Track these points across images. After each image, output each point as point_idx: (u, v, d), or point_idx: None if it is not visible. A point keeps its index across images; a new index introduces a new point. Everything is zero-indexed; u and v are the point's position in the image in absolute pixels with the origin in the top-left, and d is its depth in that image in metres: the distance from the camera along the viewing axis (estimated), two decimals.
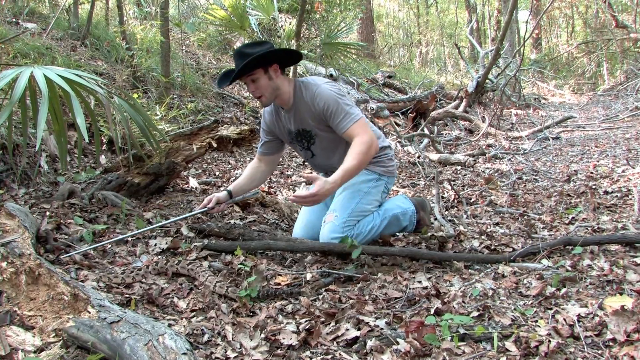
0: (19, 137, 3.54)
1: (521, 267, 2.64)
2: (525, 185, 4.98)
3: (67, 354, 1.66)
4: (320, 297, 2.36)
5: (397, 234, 3.29)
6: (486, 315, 2.08)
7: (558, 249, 2.80)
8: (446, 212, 3.87)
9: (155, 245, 2.78)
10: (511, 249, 3.00)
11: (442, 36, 22.48)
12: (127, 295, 2.20)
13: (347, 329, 1.99)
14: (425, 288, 2.41)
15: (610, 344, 1.79)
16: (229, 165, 5.12)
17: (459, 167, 5.97)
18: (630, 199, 3.93)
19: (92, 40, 6.10)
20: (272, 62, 2.84)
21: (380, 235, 3.08)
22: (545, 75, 18.40)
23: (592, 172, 5.26)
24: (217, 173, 4.79)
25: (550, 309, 2.11)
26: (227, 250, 2.80)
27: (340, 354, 1.83)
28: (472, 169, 5.83)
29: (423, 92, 10.15)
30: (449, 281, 2.53)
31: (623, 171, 5.08)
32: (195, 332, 1.94)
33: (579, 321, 1.96)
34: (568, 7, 23.75)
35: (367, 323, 2.03)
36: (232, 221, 3.34)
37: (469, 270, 2.68)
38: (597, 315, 1.99)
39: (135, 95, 5.14)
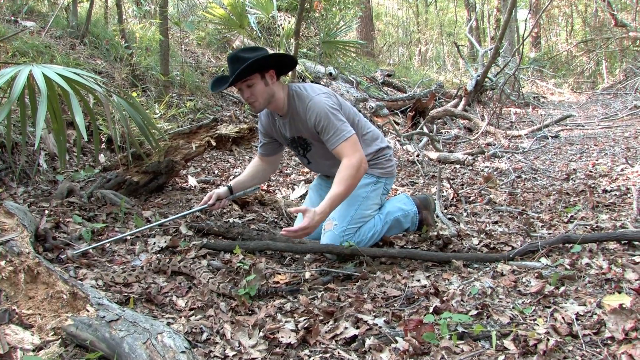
0: (18, 135, 3.54)
1: (520, 266, 2.64)
2: (524, 184, 4.98)
3: (66, 353, 1.66)
4: (319, 295, 2.37)
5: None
6: (485, 314, 2.08)
7: (557, 247, 2.80)
8: (445, 211, 3.87)
9: (154, 243, 2.78)
10: (510, 248, 3.00)
11: (441, 35, 22.46)
12: (126, 294, 2.20)
13: (346, 328, 1.99)
14: (424, 287, 2.41)
15: (609, 342, 1.79)
16: (228, 164, 5.12)
17: (458, 166, 5.97)
18: (629, 198, 3.93)
19: (91, 38, 6.10)
20: (269, 67, 2.80)
21: (382, 238, 3.08)
22: (545, 74, 18.40)
23: (591, 171, 5.27)
24: (216, 172, 4.78)
25: (549, 307, 2.11)
26: (226, 249, 2.80)
27: (339, 353, 1.83)
28: (471, 168, 5.83)
29: (422, 91, 10.15)
30: (448, 280, 2.54)
31: (622, 170, 5.08)
32: (194, 330, 1.94)
33: (577, 319, 1.96)
34: (567, 5, 23.74)
35: (366, 322, 2.03)
36: (231, 220, 3.34)
37: (468, 269, 2.68)
38: (596, 314, 1.99)
39: (134, 94, 5.13)
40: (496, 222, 3.62)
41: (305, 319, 2.07)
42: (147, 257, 2.61)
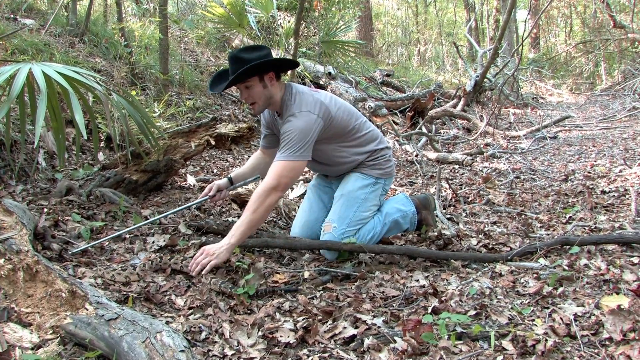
0: (17, 133, 3.53)
1: (518, 266, 2.65)
2: (522, 185, 4.98)
3: (65, 351, 1.66)
4: (318, 295, 2.37)
5: None
6: (483, 314, 2.09)
7: (555, 248, 2.80)
8: (444, 211, 3.88)
9: (153, 242, 2.78)
10: (509, 248, 3.00)
11: (440, 35, 22.46)
12: (125, 293, 2.20)
13: (345, 327, 1.99)
14: (423, 287, 2.41)
15: (607, 343, 1.80)
16: (227, 163, 5.12)
17: (456, 166, 5.98)
18: (627, 199, 3.94)
19: (90, 37, 6.09)
20: (269, 70, 2.77)
21: (382, 239, 3.09)
22: (543, 75, 18.41)
23: (589, 172, 5.27)
24: (215, 171, 4.78)
25: (547, 308, 2.12)
26: None
27: (337, 352, 1.83)
28: (470, 168, 5.83)
29: (421, 91, 10.15)
30: (447, 280, 2.54)
31: (620, 171, 5.09)
32: (192, 329, 1.94)
33: (575, 320, 1.96)
34: (566, 6, 23.76)
35: (365, 321, 2.04)
36: (230, 219, 3.34)
37: (467, 269, 2.69)
38: (594, 315, 1.99)
39: (133, 93, 5.13)
40: (495, 223, 3.62)
41: (304, 319, 2.07)
42: (146, 255, 2.61)
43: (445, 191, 4.55)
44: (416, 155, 6.35)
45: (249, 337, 1.93)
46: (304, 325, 2.00)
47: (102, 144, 4.37)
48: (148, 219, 3.09)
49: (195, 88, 6.56)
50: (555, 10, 23.85)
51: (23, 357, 1.59)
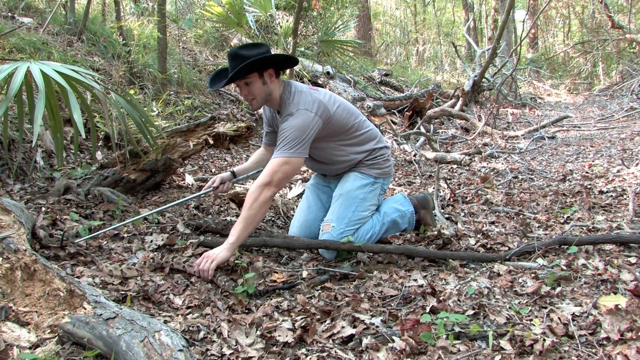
0: (15, 132, 3.53)
1: (516, 266, 2.65)
2: (520, 185, 4.99)
3: (63, 350, 1.66)
4: (316, 294, 2.37)
5: None
6: (481, 314, 2.09)
7: (553, 248, 2.81)
8: (442, 211, 3.88)
9: (151, 241, 2.77)
10: (507, 248, 3.01)
11: (439, 35, 22.48)
12: (123, 292, 2.19)
13: (343, 327, 1.99)
14: (421, 286, 2.41)
15: (604, 342, 1.80)
16: (226, 162, 5.12)
17: (455, 166, 5.98)
18: (625, 199, 3.95)
19: (88, 35, 6.08)
20: (268, 66, 2.77)
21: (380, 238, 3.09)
22: (542, 75, 18.45)
23: (587, 172, 5.28)
24: (213, 170, 4.78)
25: (545, 307, 2.12)
26: None
27: (335, 352, 1.83)
28: (468, 168, 5.84)
29: (420, 91, 10.16)
30: (445, 279, 2.54)
31: (618, 171, 5.10)
32: (191, 328, 1.94)
33: (573, 320, 1.97)
34: (565, 7, 23.79)
35: (363, 321, 2.04)
36: (228, 218, 3.34)
37: (465, 269, 2.69)
38: (592, 314, 2.00)
39: (131, 92, 5.12)
40: (493, 223, 3.62)
41: (302, 318, 2.07)
42: (145, 254, 2.61)
43: (443, 191, 4.55)
44: (414, 155, 6.36)
45: (247, 337, 1.93)
46: (302, 324, 2.00)
47: (100, 143, 4.37)
48: (146, 218, 3.09)
49: (193, 87, 6.55)
50: (554, 11, 23.88)
51: (21, 356, 1.58)
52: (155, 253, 2.62)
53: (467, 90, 9.98)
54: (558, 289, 2.27)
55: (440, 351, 1.79)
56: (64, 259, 2.41)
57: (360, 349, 1.85)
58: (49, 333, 1.72)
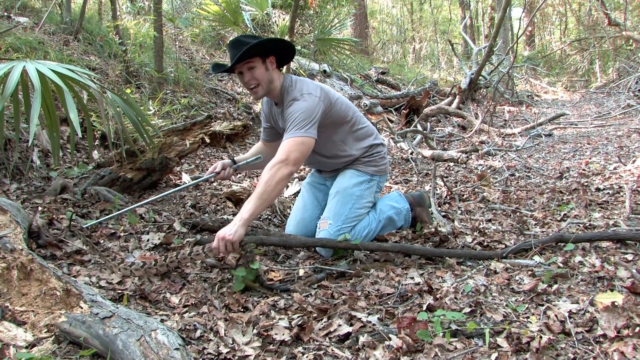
0: (11, 131, 3.52)
1: (513, 264, 2.65)
2: (517, 182, 5.00)
3: (59, 350, 1.66)
4: (313, 292, 2.37)
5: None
6: (478, 312, 2.09)
7: (550, 245, 2.81)
8: (439, 208, 3.88)
9: (148, 240, 2.77)
10: (503, 246, 3.01)
11: (435, 33, 22.49)
12: (120, 291, 2.19)
13: (340, 325, 1.99)
14: (418, 284, 2.42)
15: (601, 339, 1.80)
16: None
17: (451, 164, 5.99)
18: (622, 196, 3.96)
19: (84, 34, 6.07)
20: (270, 53, 2.81)
21: (376, 236, 3.09)
22: (538, 73, 18.46)
23: (584, 169, 5.29)
24: (210, 169, 4.77)
25: (542, 305, 2.13)
26: None
27: (332, 350, 1.83)
28: (464, 166, 5.85)
29: (416, 89, 10.16)
30: (441, 277, 2.54)
31: (615, 168, 5.11)
32: (187, 327, 1.94)
33: (570, 317, 1.97)
34: (561, 4, 23.81)
35: (360, 319, 2.04)
36: (224, 217, 3.34)
37: (461, 267, 2.69)
38: (588, 312, 2.00)
39: (128, 91, 5.12)
40: (490, 220, 3.63)
41: (298, 316, 2.07)
42: (141, 253, 2.61)
43: (440, 189, 4.56)
44: (411, 153, 6.36)
45: (243, 335, 1.93)
46: (299, 323, 2.00)
47: (96, 142, 4.36)
48: (143, 217, 3.09)
49: (190, 86, 6.54)
50: (550, 8, 23.91)
51: (17, 355, 1.58)
52: (151, 252, 2.62)
53: (463, 88, 9.99)
54: (555, 287, 2.28)
55: (437, 349, 1.79)
56: (60, 258, 2.41)
57: (357, 347, 1.85)
58: (45, 332, 1.72)
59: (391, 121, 8.43)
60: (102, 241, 2.70)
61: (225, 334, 1.93)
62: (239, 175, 4.64)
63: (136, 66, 5.90)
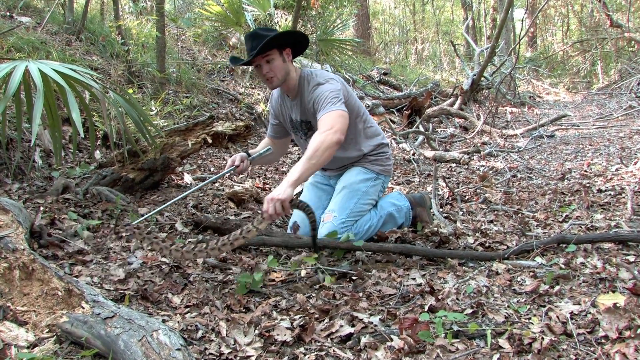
0: (13, 131, 3.53)
1: (515, 265, 2.65)
2: (519, 183, 4.99)
3: (61, 350, 1.66)
4: (315, 293, 2.37)
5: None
6: (480, 313, 2.09)
7: (552, 246, 2.81)
8: (441, 209, 3.88)
9: None
10: (505, 247, 3.01)
11: (437, 33, 22.46)
12: (121, 291, 2.19)
13: (341, 326, 1.99)
14: (420, 285, 2.42)
15: (603, 341, 1.80)
16: (224, 162, 5.11)
17: (453, 165, 5.98)
18: (624, 198, 3.95)
19: (87, 34, 6.07)
20: (286, 45, 2.87)
21: (377, 233, 3.09)
22: (540, 74, 18.44)
23: (586, 171, 5.29)
24: (212, 169, 4.78)
25: (544, 306, 2.12)
26: None
27: (334, 351, 1.83)
28: (466, 167, 5.84)
29: (418, 90, 10.15)
30: (443, 278, 2.54)
31: (617, 170, 5.10)
32: (189, 327, 1.94)
33: (571, 318, 1.97)
34: (563, 5, 23.79)
35: (361, 320, 2.04)
36: (227, 217, 3.34)
37: (463, 268, 2.69)
38: (590, 313, 2.00)
39: (130, 91, 5.12)
40: (491, 221, 3.63)
41: (300, 317, 2.07)
42: (143, 254, 2.61)
43: (442, 190, 4.55)
44: (413, 154, 6.36)
45: (245, 336, 1.93)
46: (301, 323, 2.00)
47: (98, 142, 4.36)
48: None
49: (192, 86, 6.54)
50: (552, 9, 23.90)
51: (19, 355, 1.58)
52: (153, 253, 2.61)
53: (466, 89, 9.98)
54: (556, 288, 2.27)
55: (438, 350, 1.79)
56: (62, 258, 2.41)
57: (359, 347, 1.85)
58: (47, 332, 1.72)
59: (393, 122, 8.42)
60: (102, 242, 2.70)
61: (227, 334, 1.93)
62: (240, 176, 4.64)
63: (138, 66, 5.90)
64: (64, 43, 5.64)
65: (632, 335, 1.76)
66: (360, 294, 2.33)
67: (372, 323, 2.01)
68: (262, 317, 2.08)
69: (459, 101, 9.75)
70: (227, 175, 3.15)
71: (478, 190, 4.56)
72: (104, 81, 4.90)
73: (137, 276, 2.35)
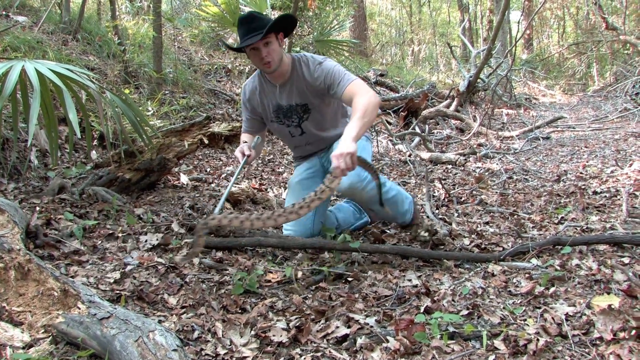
0: (9, 131, 3.52)
1: (511, 266, 2.66)
2: (515, 185, 5.00)
3: (57, 350, 1.66)
4: (311, 294, 2.37)
5: (389, 229, 3.30)
6: (475, 314, 2.10)
7: (547, 248, 2.82)
8: (437, 211, 3.89)
9: (146, 241, 2.77)
10: (501, 248, 3.02)
11: (434, 35, 22.51)
12: (118, 292, 2.19)
13: (337, 327, 2.00)
14: (415, 286, 2.42)
15: (597, 342, 1.81)
16: (220, 162, 5.11)
17: (449, 166, 5.99)
18: (619, 200, 3.96)
19: (83, 34, 6.07)
20: (280, 30, 2.88)
21: (383, 201, 2.93)
22: (536, 76, 18.49)
23: (581, 173, 5.30)
24: (208, 169, 4.77)
25: (539, 307, 2.13)
26: (218, 247, 2.80)
27: (330, 352, 1.83)
28: (462, 168, 5.85)
29: (415, 91, 10.15)
30: (439, 280, 2.55)
31: (612, 172, 5.12)
32: (185, 328, 1.94)
33: (567, 320, 1.98)
34: (559, 8, 23.87)
35: (357, 321, 2.04)
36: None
37: (459, 269, 2.70)
38: (585, 314, 2.01)
39: (127, 91, 5.12)
40: (487, 223, 3.63)
41: (296, 318, 2.07)
42: (139, 254, 2.61)
43: (438, 191, 4.56)
44: (409, 155, 6.36)
45: (241, 336, 1.93)
46: (297, 324, 2.00)
47: (95, 142, 4.36)
48: (141, 218, 3.08)
49: (189, 87, 6.54)
50: (548, 12, 23.97)
51: (14, 356, 1.58)
52: (149, 253, 2.61)
53: (462, 90, 10.00)
54: (552, 289, 2.28)
55: (434, 351, 1.79)
56: (58, 259, 2.41)
57: (355, 349, 1.85)
58: (42, 333, 1.72)
59: (389, 123, 8.43)
60: (99, 242, 2.70)
61: (223, 335, 1.93)
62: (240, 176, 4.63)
63: (135, 66, 5.90)
64: (60, 43, 5.64)
65: (627, 337, 1.77)
66: (357, 295, 2.33)
67: (368, 324, 2.02)
68: (258, 317, 2.08)
69: (455, 103, 9.76)
70: (247, 164, 3.12)
71: (474, 192, 4.57)
72: (100, 81, 4.90)
73: (133, 277, 2.35)
